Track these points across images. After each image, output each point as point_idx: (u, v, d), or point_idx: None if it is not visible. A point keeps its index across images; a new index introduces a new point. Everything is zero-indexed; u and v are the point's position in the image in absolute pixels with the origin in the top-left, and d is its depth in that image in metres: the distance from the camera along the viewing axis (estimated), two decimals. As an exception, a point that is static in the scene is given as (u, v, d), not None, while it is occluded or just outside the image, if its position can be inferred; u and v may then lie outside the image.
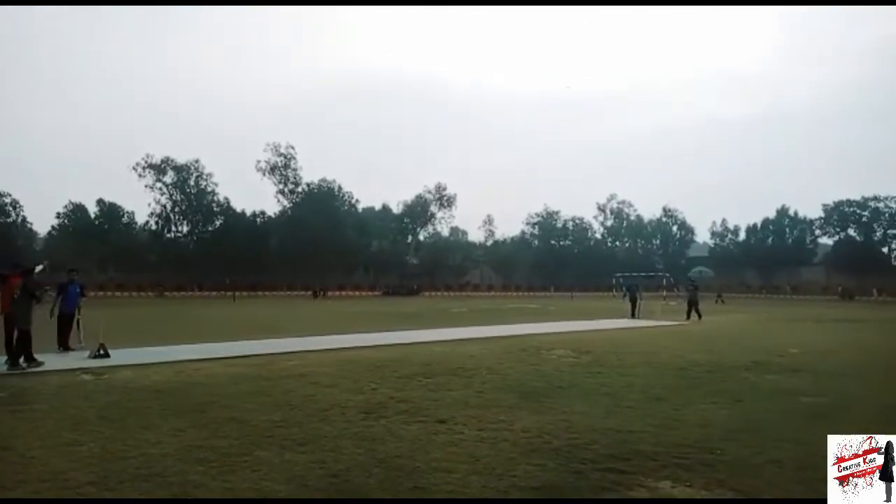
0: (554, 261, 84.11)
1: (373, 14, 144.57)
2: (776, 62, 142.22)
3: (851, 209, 77.85)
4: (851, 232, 78.53)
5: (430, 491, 4.55)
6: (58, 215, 70.72)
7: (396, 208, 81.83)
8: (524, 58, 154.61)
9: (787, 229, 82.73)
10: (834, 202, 79.13)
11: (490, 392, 8.47)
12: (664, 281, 46.69)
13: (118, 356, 11.70)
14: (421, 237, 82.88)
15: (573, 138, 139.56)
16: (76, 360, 11.42)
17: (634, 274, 42.35)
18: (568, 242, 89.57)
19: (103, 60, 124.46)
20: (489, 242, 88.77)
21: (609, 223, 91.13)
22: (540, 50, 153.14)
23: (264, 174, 71.89)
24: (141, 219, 71.94)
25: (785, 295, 65.56)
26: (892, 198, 75.26)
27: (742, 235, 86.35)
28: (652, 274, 54.76)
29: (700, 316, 25.66)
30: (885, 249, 77.33)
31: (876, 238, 77.02)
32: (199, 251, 69.08)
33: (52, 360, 11.31)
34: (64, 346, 12.79)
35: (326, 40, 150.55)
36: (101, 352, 11.67)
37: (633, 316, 26.16)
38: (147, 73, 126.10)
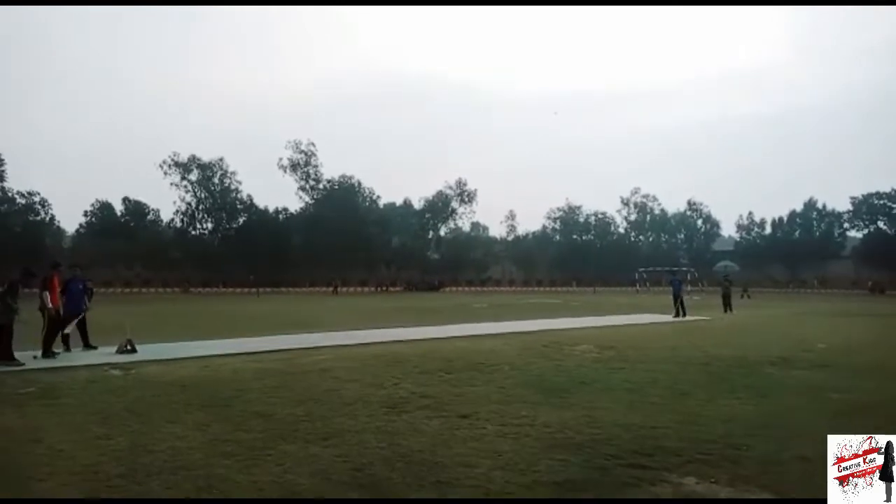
0: (576, 255, 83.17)
1: (395, 11, 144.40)
2: (799, 56, 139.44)
3: (881, 201, 75.71)
4: (881, 224, 76.39)
5: (453, 485, 4.56)
6: (85, 213, 71.75)
7: (418, 204, 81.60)
8: (542, 56, 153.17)
9: (815, 222, 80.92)
10: (863, 195, 77.04)
11: (512, 387, 8.45)
12: (688, 275, 46.14)
13: (145, 351, 11.89)
14: (442, 233, 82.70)
15: (595, 134, 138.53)
16: (104, 355, 11.63)
17: (675, 268, 41.56)
18: (590, 237, 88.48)
19: (126, 61, 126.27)
20: (510, 237, 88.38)
21: (632, 217, 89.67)
22: (559, 48, 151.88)
23: (286, 171, 72.43)
24: (166, 216, 73.00)
25: (812, 289, 64.34)
26: (924, 189, 73.29)
27: (768, 229, 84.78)
28: (675, 269, 54.03)
29: (726, 310, 25.83)
30: (915, 242, 75.34)
31: (906, 230, 75.10)
32: (224, 248, 69.89)
33: (80, 357, 11.62)
34: (66, 344, 12.22)
35: (348, 38, 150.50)
36: (129, 347, 11.86)
37: (676, 315, 22.70)
38: (170, 72, 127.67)
